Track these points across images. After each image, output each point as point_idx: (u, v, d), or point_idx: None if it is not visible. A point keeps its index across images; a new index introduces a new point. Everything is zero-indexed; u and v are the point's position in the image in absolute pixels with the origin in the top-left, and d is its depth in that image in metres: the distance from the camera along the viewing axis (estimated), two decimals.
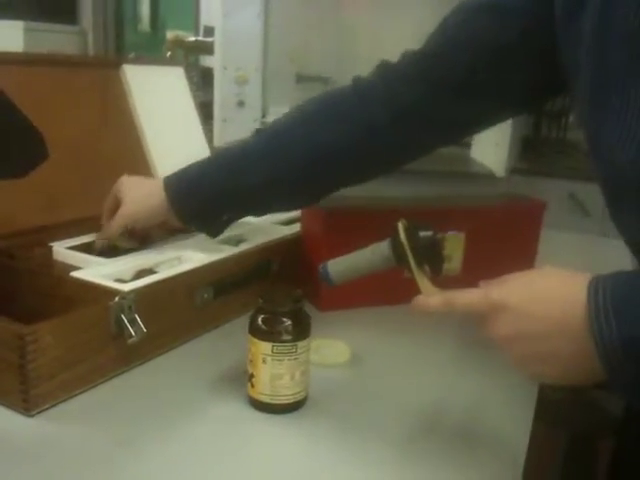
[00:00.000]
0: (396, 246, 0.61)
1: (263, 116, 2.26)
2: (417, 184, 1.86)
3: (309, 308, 0.79)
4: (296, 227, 1.03)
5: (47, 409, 0.64)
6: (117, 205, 0.88)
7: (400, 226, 0.60)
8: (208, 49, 2.34)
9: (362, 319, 0.91)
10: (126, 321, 0.69)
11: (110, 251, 0.89)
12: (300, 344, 0.64)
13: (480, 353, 0.79)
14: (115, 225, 0.87)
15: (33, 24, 2.51)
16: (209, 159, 0.87)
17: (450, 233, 0.97)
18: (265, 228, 1.03)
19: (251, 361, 0.65)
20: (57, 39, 2.64)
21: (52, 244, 0.89)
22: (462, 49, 0.71)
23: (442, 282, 0.60)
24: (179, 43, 2.57)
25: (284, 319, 0.64)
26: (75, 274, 0.78)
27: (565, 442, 1.08)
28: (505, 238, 0.99)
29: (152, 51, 3.04)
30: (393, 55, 0.79)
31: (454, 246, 0.98)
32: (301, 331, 0.65)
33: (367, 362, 0.79)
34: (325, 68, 2.20)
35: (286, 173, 0.81)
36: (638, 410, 0.73)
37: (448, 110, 0.75)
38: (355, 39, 2.31)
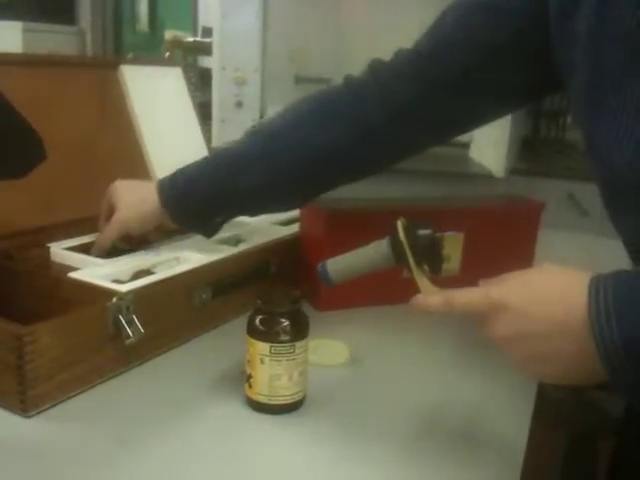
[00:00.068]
0: (395, 245, 0.61)
1: (262, 117, 2.26)
2: (416, 184, 1.86)
3: (308, 308, 0.79)
4: (295, 227, 1.03)
5: (45, 410, 0.64)
6: (111, 211, 0.88)
7: (399, 225, 0.60)
8: (206, 50, 2.34)
9: (361, 319, 0.91)
10: (124, 322, 0.69)
11: (108, 252, 0.88)
12: (298, 344, 0.64)
13: (480, 353, 0.79)
14: (109, 232, 0.87)
15: (31, 24, 2.51)
16: (205, 160, 0.86)
17: (449, 233, 0.97)
18: (264, 228, 1.03)
19: (249, 361, 0.65)
20: (55, 40, 2.64)
21: (50, 245, 0.89)
22: (457, 48, 0.71)
23: (441, 282, 0.60)
24: (177, 43, 2.57)
25: (282, 319, 0.64)
26: (73, 275, 0.78)
27: (564, 442, 1.08)
28: (503, 238, 0.99)
29: (150, 51, 3.04)
30: None
31: (453, 246, 0.98)
32: (299, 331, 0.65)
33: (366, 362, 0.79)
34: (324, 69, 2.20)
35: (284, 174, 0.81)
36: (638, 411, 0.73)
37: (443, 109, 0.75)
38: (355, 40, 2.30)
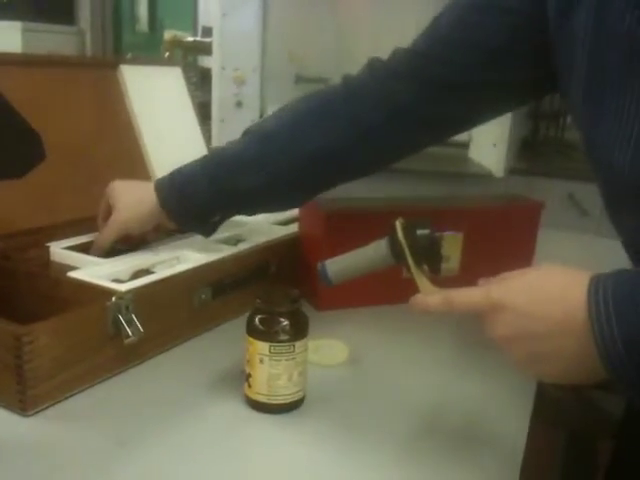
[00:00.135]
0: (394, 245, 0.61)
1: (261, 116, 2.26)
2: (416, 184, 1.87)
3: (307, 308, 0.79)
4: (294, 227, 1.03)
5: (44, 409, 0.64)
6: (110, 211, 0.88)
7: (398, 225, 0.60)
8: (206, 49, 2.34)
9: (360, 319, 0.91)
10: (123, 321, 0.69)
11: (106, 253, 0.88)
12: (298, 344, 0.64)
13: (479, 352, 0.79)
14: (108, 233, 0.87)
15: (31, 24, 2.51)
16: (203, 160, 0.86)
17: (448, 233, 0.97)
18: (263, 228, 1.03)
19: (248, 361, 0.65)
20: (55, 40, 2.64)
21: (49, 244, 0.89)
22: (453, 48, 0.71)
23: (440, 282, 0.60)
24: (177, 43, 2.57)
25: (281, 319, 0.64)
26: (72, 274, 0.78)
27: (564, 441, 1.08)
28: (503, 238, 0.99)
29: (150, 51, 3.04)
30: None
31: (452, 246, 0.98)
32: (298, 331, 0.65)
33: (365, 362, 0.79)
34: (324, 69, 2.20)
35: (281, 174, 0.81)
36: (638, 410, 0.73)
37: (441, 108, 0.75)
38: (354, 40, 2.30)
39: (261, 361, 0.64)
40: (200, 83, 2.42)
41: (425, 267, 0.61)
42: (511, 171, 2.03)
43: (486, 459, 0.61)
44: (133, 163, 1.11)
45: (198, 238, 0.92)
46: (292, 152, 0.80)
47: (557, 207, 1.78)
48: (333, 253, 0.66)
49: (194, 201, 0.84)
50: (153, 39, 3.02)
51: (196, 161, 0.86)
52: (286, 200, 0.87)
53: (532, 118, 2.25)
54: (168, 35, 2.62)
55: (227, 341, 0.79)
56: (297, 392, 0.66)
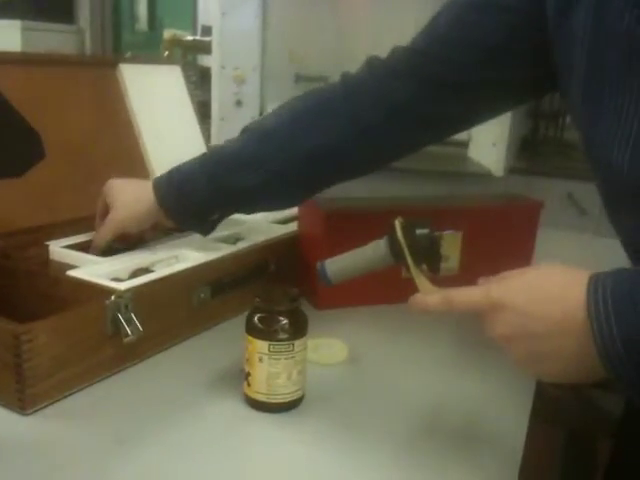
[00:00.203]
0: (393, 244, 0.60)
1: (261, 115, 2.26)
2: (415, 184, 1.87)
3: (306, 306, 0.79)
4: (293, 226, 1.03)
5: (43, 408, 0.64)
6: (107, 210, 0.88)
7: (397, 224, 0.60)
8: (206, 48, 2.34)
9: (360, 318, 0.91)
10: (122, 320, 0.69)
11: (103, 252, 0.88)
12: (297, 343, 0.64)
13: (478, 351, 0.79)
14: (105, 232, 0.87)
15: (31, 23, 2.51)
16: (201, 158, 0.86)
17: (447, 232, 0.97)
18: (262, 227, 1.03)
19: (248, 360, 0.65)
20: (54, 38, 2.64)
21: (48, 243, 0.89)
22: (451, 47, 0.71)
23: (440, 281, 0.60)
24: (177, 42, 2.57)
25: (281, 318, 0.64)
26: (71, 273, 0.78)
27: (563, 440, 1.08)
28: (502, 237, 0.99)
29: (150, 50, 3.04)
30: None
31: (451, 245, 0.98)
32: (298, 330, 0.65)
33: (364, 361, 0.79)
34: (324, 68, 2.20)
35: (280, 172, 0.81)
36: (637, 408, 0.73)
37: (439, 106, 0.75)
38: (354, 39, 2.30)
39: (260, 360, 0.64)
40: (200, 82, 2.42)
41: (424, 266, 0.61)
42: (510, 170, 2.03)
43: (485, 458, 0.61)
44: (132, 162, 1.11)
45: (197, 237, 0.92)
46: (291, 150, 0.80)
47: (556, 206, 1.78)
48: (332, 252, 0.66)
49: (192, 199, 0.84)
50: (153, 38, 3.02)
51: (195, 159, 0.85)
52: (285, 198, 0.87)
53: (532, 117, 2.26)
54: (168, 34, 2.62)
55: (226, 340, 0.79)
56: (296, 391, 0.66)
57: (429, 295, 0.58)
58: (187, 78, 1.28)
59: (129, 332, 0.69)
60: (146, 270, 0.82)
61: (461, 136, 1.80)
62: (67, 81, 1.04)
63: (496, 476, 0.59)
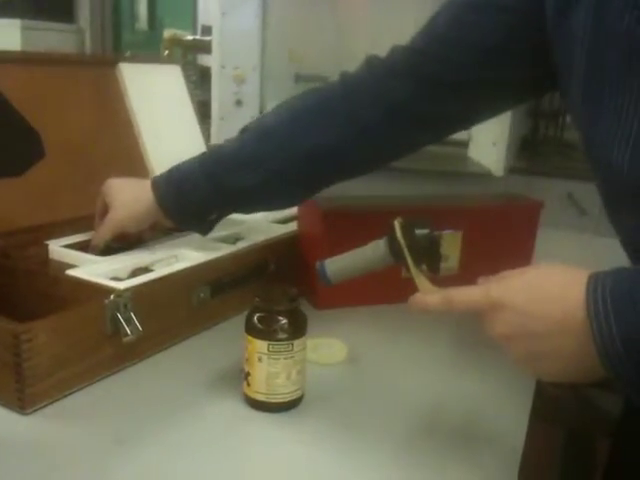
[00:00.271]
0: (393, 244, 0.60)
1: (261, 114, 2.26)
2: (415, 183, 1.87)
3: (306, 306, 0.79)
4: (293, 226, 1.03)
5: (43, 407, 0.63)
6: (106, 209, 0.88)
7: (396, 224, 0.60)
8: (206, 48, 2.34)
9: (359, 317, 0.91)
10: (122, 319, 0.69)
11: (102, 251, 0.88)
12: (296, 342, 0.64)
13: (478, 351, 0.79)
14: (104, 231, 0.87)
15: (31, 22, 2.51)
16: (201, 158, 0.85)
17: (447, 232, 0.97)
18: (262, 226, 1.03)
19: (247, 360, 0.65)
20: (54, 38, 2.64)
21: (48, 242, 0.88)
22: (450, 47, 0.71)
23: (439, 281, 0.60)
24: (177, 42, 2.57)
25: (280, 317, 0.64)
26: (71, 272, 0.78)
27: (562, 439, 1.08)
28: (502, 237, 0.99)
29: (150, 50, 3.04)
30: None
31: (451, 245, 0.98)
32: (297, 329, 0.65)
33: (364, 361, 0.79)
34: (324, 67, 2.20)
35: (279, 172, 0.81)
36: (636, 408, 0.73)
37: (438, 106, 0.75)
38: (354, 38, 2.30)
39: (260, 360, 0.64)
40: (199, 82, 2.43)
41: (424, 266, 0.61)
42: (510, 170, 2.03)
43: (485, 457, 0.61)
44: (132, 161, 1.11)
45: (196, 237, 0.92)
46: (290, 149, 0.80)
47: (556, 206, 1.78)
48: (332, 252, 0.66)
49: (191, 198, 0.84)
50: (153, 37, 3.02)
51: (194, 158, 0.85)
52: (284, 198, 0.87)
53: (532, 117, 2.26)
54: (168, 33, 2.62)
55: (226, 340, 0.79)
56: (296, 391, 0.66)
57: (429, 295, 0.58)
58: (187, 78, 1.28)
59: (128, 332, 0.69)
60: (145, 270, 0.82)
61: (461, 136, 1.80)
62: (67, 80, 1.04)
63: (496, 475, 0.59)
